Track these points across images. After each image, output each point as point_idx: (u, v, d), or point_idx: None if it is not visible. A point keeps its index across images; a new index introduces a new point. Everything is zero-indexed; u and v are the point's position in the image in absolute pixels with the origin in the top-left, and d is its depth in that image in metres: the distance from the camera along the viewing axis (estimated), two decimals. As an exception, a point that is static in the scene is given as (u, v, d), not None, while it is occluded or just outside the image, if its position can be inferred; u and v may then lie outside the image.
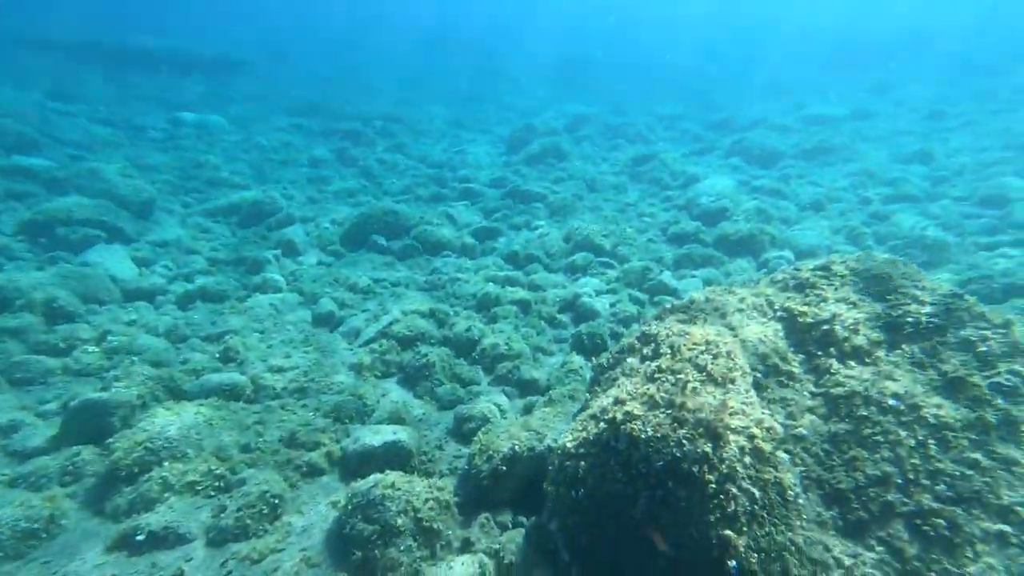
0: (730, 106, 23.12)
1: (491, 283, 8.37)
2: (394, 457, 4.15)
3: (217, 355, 5.71)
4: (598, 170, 14.78)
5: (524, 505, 3.71)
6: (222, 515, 3.57)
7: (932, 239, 8.17)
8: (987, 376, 3.42)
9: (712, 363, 3.23)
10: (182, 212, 10.06)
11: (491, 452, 3.88)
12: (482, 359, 6.47)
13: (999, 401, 3.32)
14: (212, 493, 3.78)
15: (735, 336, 3.82)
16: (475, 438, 4.18)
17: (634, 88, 31.26)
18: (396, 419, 4.81)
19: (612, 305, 7.77)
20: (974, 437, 3.21)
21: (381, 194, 12.55)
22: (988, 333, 3.58)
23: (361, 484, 3.47)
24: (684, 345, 3.41)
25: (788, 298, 4.23)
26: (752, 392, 3.25)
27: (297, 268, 8.33)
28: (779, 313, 4.14)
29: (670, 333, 3.66)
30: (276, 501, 3.68)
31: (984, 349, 3.51)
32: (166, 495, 3.64)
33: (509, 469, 3.79)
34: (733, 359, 3.38)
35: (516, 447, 3.86)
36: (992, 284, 6.54)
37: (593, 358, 6.25)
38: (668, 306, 4.52)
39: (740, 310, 4.17)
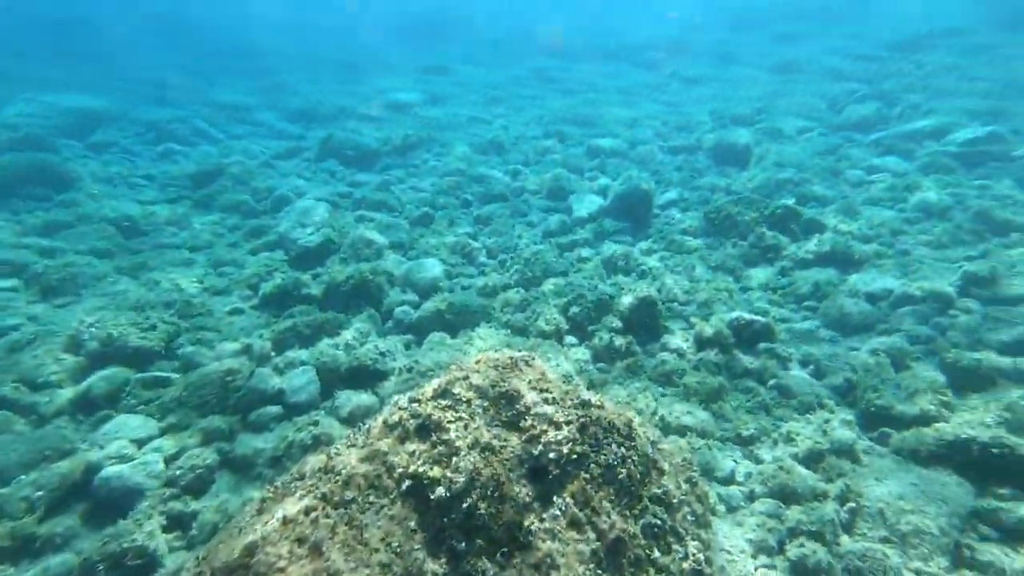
0: (305, 89, 20.64)
1: None
2: None
3: None
4: (134, 200, 10.10)
5: None
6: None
7: (533, 259, 8.28)
8: (638, 517, 2.75)
9: None
10: None
11: None
12: None
13: (656, 555, 2.67)
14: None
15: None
16: None
17: (161, 58, 24.61)
18: None
19: (169, 461, 4.71)
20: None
21: None
22: (623, 450, 2.90)
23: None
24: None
25: (411, 455, 2.78)
26: None
27: None
28: (404, 485, 2.67)
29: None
30: None
31: (624, 475, 2.82)
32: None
33: None
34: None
35: None
36: (587, 302, 6.76)
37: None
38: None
39: (347, 503, 2.46)
